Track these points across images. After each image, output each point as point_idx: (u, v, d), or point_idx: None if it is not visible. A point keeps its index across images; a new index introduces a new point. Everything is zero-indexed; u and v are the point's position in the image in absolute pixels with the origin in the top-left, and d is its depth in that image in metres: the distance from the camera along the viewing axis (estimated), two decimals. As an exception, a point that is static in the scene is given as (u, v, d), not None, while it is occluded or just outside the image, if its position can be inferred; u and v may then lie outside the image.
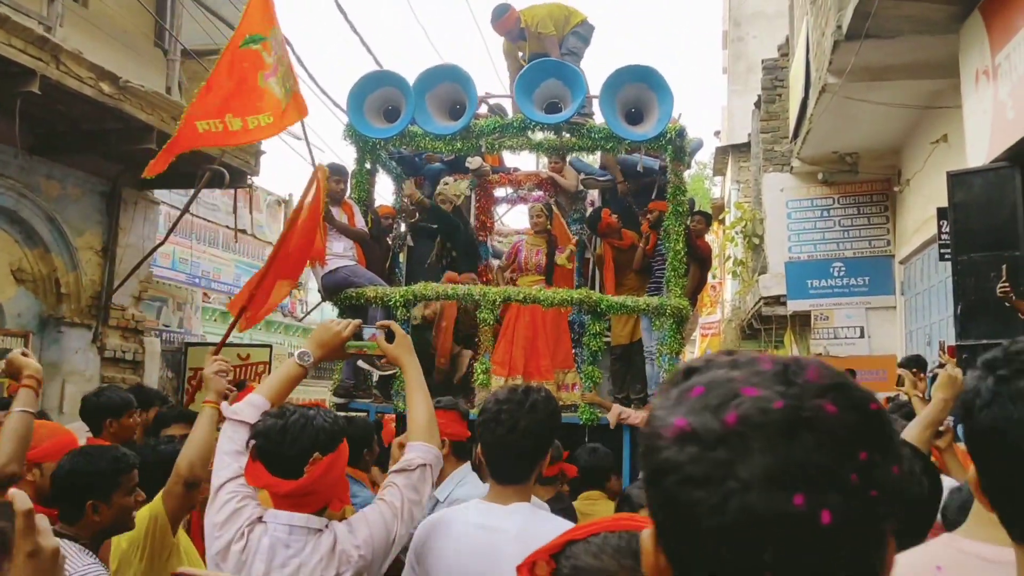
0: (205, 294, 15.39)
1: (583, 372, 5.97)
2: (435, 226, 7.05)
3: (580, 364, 6.18)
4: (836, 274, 12.10)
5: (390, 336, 2.44)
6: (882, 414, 0.69)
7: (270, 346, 12.02)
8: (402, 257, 7.45)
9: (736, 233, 15.22)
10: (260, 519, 2.09)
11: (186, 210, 9.62)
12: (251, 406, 2.26)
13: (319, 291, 6.55)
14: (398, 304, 5.89)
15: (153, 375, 10.24)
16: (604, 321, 6.03)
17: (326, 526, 2.08)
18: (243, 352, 11.44)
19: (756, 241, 14.03)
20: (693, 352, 20.32)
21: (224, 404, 2.42)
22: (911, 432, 2.74)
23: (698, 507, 0.66)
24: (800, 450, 0.64)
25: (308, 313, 16.75)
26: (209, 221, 14.32)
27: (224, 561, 2.05)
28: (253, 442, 2.10)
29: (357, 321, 2.48)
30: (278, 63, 5.77)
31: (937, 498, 1.65)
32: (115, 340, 9.50)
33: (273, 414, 2.13)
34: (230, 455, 2.18)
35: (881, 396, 9.54)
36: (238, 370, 10.86)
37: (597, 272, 7.38)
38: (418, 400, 2.37)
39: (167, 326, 13.02)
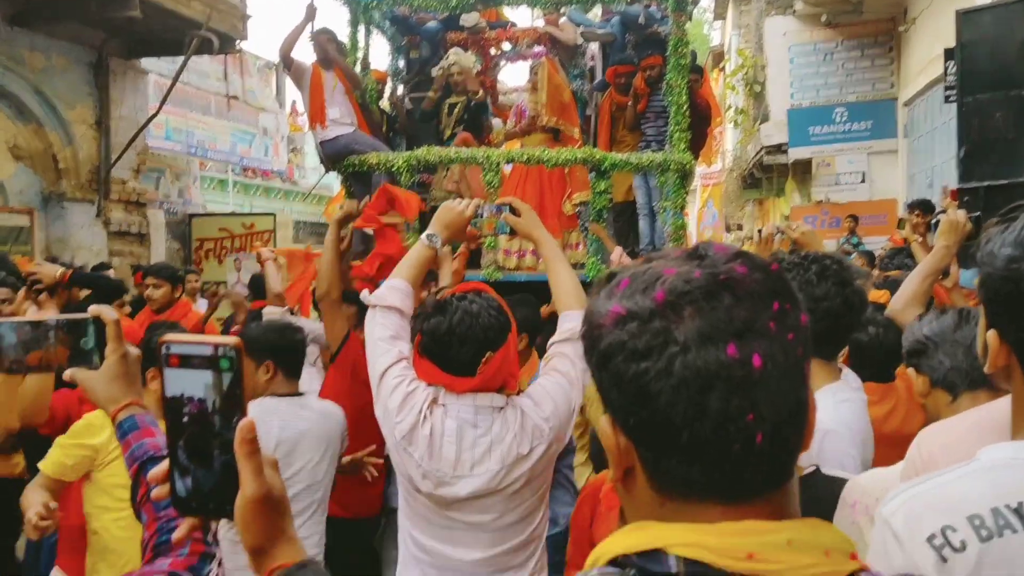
0: (201, 163, 15.22)
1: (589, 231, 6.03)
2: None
3: (584, 223, 6.22)
4: (838, 120, 11.96)
5: (513, 211, 2.42)
6: (782, 272, 0.79)
7: (273, 215, 12.04)
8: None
9: (737, 81, 14.92)
10: (436, 400, 2.07)
11: (177, 79, 9.40)
12: (394, 290, 2.24)
13: (319, 159, 6.49)
14: (401, 169, 5.86)
15: (160, 247, 10.32)
16: (607, 179, 6.02)
17: (506, 403, 2.08)
18: (247, 221, 11.47)
19: (757, 89, 13.79)
20: (695, 204, 20.27)
21: (365, 292, 2.38)
22: (911, 283, 2.66)
23: (646, 376, 0.74)
24: (724, 308, 0.73)
25: (314, 186, 16.68)
26: (200, 89, 13.99)
27: (411, 445, 2.05)
28: (419, 337, 2.09)
29: (478, 200, 2.48)
30: None
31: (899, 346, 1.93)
32: (119, 214, 9.52)
33: (435, 309, 2.08)
34: (386, 341, 2.16)
35: (882, 240, 9.64)
36: (243, 239, 10.95)
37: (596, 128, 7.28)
38: (560, 269, 2.34)
39: (167, 196, 12.97)
